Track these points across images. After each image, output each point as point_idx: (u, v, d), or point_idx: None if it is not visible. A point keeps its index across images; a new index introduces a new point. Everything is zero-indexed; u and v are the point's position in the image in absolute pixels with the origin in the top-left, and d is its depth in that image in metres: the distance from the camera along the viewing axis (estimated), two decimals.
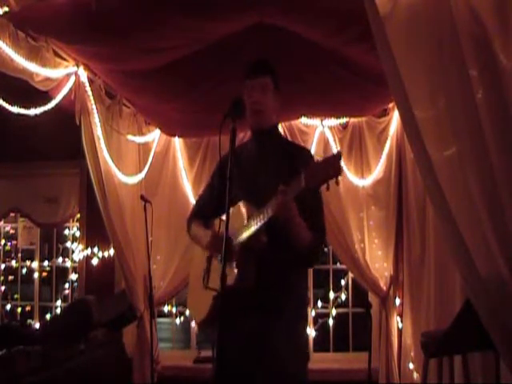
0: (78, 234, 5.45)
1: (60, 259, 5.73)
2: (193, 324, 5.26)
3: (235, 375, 2.23)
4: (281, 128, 4.86)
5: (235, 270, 2.17)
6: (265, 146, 2.42)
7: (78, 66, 3.70)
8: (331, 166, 1.87)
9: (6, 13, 2.93)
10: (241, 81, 2.42)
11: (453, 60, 2.25)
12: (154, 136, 5.07)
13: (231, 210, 2.25)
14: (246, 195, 2.28)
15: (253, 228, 2.15)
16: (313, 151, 4.85)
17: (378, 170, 4.82)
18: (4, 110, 3.34)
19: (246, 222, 2.22)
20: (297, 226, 2.15)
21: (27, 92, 3.38)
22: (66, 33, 3.22)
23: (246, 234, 2.19)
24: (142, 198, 4.29)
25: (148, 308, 4.54)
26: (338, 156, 1.89)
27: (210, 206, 2.52)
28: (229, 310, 1.93)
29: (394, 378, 4.59)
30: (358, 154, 4.89)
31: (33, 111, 3.50)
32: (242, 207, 2.27)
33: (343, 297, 5.26)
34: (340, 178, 1.88)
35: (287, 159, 2.32)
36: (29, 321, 5.65)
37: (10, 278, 6.01)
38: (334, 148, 4.88)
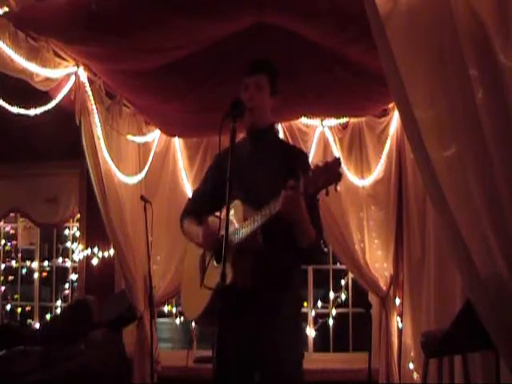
0: (78, 234, 5.45)
1: (60, 259, 5.73)
2: (193, 324, 5.26)
3: (233, 375, 2.23)
4: (281, 128, 4.87)
5: (231, 270, 2.17)
6: (260, 146, 2.43)
7: (78, 66, 3.70)
8: (330, 173, 1.87)
9: (5, 13, 2.93)
10: (240, 80, 2.43)
11: (453, 60, 2.25)
12: (154, 136, 5.07)
13: (223, 208, 2.25)
14: (241, 194, 2.27)
15: (249, 227, 2.15)
16: (313, 151, 4.87)
17: (377, 170, 4.82)
18: (4, 109, 3.34)
19: (242, 221, 2.21)
20: (305, 221, 2.15)
21: (27, 92, 3.38)
22: (66, 33, 3.22)
23: (242, 234, 2.18)
24: (142, 198, 4.29)
25: (148, 308, 4.54)
26: (338, 162, 1.89)
27: (203, 203, 2.51)
28: (225, 309, 1.93)
29: (394, 378, 4.59)
30: (357, 154, 4.89)
31: (33, 111, 3.50)
32: (237, 207, 2.26)
33: (343, 297, 5.26)
34: (339, 184, 1.88)
35: (283, 159, 2.32)
36: (29, 321, 5.65)
37: (10, 278, 6.01)
38: (335, 148, 4.88)
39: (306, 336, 5.03)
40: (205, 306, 2.26)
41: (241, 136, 2.43)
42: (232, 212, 2.24)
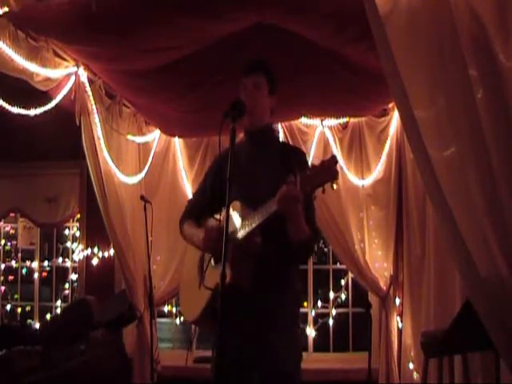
0: (78, 233, 5.46)
1: (60, 259, 5.73)
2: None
3: (233, 375, 2.22)
4: (281, 128, 4.87)
5: (229, 271, 2.16)
6: (259, 146, 2.42)
7: (78, 66, 3.70)
8: (327, 171, 1.87)
9: (6, 13, 2.93)
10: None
11: (453, 60, 2.25)
12: (154, 136, 5.08)
13: (223, 210, 2.25)
14: (239, 195, 2.26)
15: (247, 228, 2.15)
16: (313, 151, 4.87)
17: (377, 170, 4.82)
18: (4, 109, 3.34)
19: (240, 222, 2.21)
20: (300, 217, 2.14)
21: (27, 92, 3.38)
22: (66, 33, 3.22)
23: (240, 235, 2.18)
24: (142, 198, 4.30)
25: (148, 308, 4.54)
26: (334, 160, 1.89)
27: (202, 206, 2.50)
28: (224, 310, 1.93)
29: (393, 378, 4.59)
30: (358, 154, 4.89)
31: (33, 111, 3.50)
32: (236, 208, 2.26)
33: (343, 297, 5.26)
34: (336, 182, 1.88)
35: (281, 159, 2.31)
36: (29, 321, 5.65)
37: (10, 277, 6.02)
38: (334, 148, 4.88)
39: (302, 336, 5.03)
40: (203, 307, 2.25)
41: (241, 136, 2.42)
42: (231, 213, 2.24)
